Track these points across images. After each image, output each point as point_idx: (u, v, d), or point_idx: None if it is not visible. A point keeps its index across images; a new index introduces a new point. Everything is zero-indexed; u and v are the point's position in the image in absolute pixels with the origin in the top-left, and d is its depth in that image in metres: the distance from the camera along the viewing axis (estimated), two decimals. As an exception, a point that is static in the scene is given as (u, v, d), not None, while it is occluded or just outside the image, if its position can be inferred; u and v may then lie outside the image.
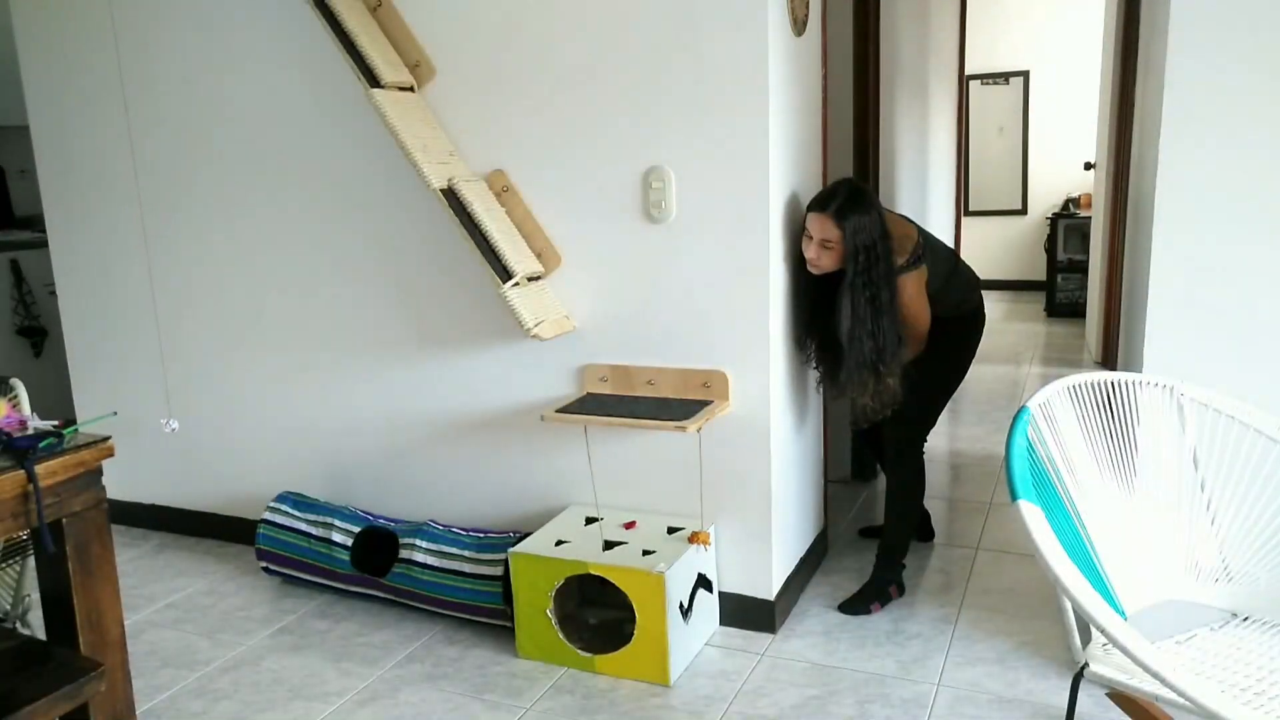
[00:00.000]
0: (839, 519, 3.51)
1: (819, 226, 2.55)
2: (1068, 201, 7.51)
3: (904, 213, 3.22)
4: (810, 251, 2.58)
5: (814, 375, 2.84)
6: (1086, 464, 1.96)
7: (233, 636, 2.83)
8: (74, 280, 3.61)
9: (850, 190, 2.58)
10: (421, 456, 3.10)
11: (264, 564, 3.10)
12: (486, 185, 2.73)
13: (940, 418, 4.63)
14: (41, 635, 1.83)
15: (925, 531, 3.30)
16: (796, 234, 2.73)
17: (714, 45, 2.45)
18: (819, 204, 2.57)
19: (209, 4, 3.09)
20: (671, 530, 2.67)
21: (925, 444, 2.99)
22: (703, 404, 2.57)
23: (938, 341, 2.77)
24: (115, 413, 3.59)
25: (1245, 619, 1.89)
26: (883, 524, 2.95)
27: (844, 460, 3.88)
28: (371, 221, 3.00)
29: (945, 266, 2.79)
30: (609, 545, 2.59)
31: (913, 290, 2.64)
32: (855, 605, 2.82)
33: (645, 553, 2.53)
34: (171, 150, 3.28)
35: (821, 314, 2.67)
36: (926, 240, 2.73)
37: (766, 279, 2.52)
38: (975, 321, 2.91)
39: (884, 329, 2.56)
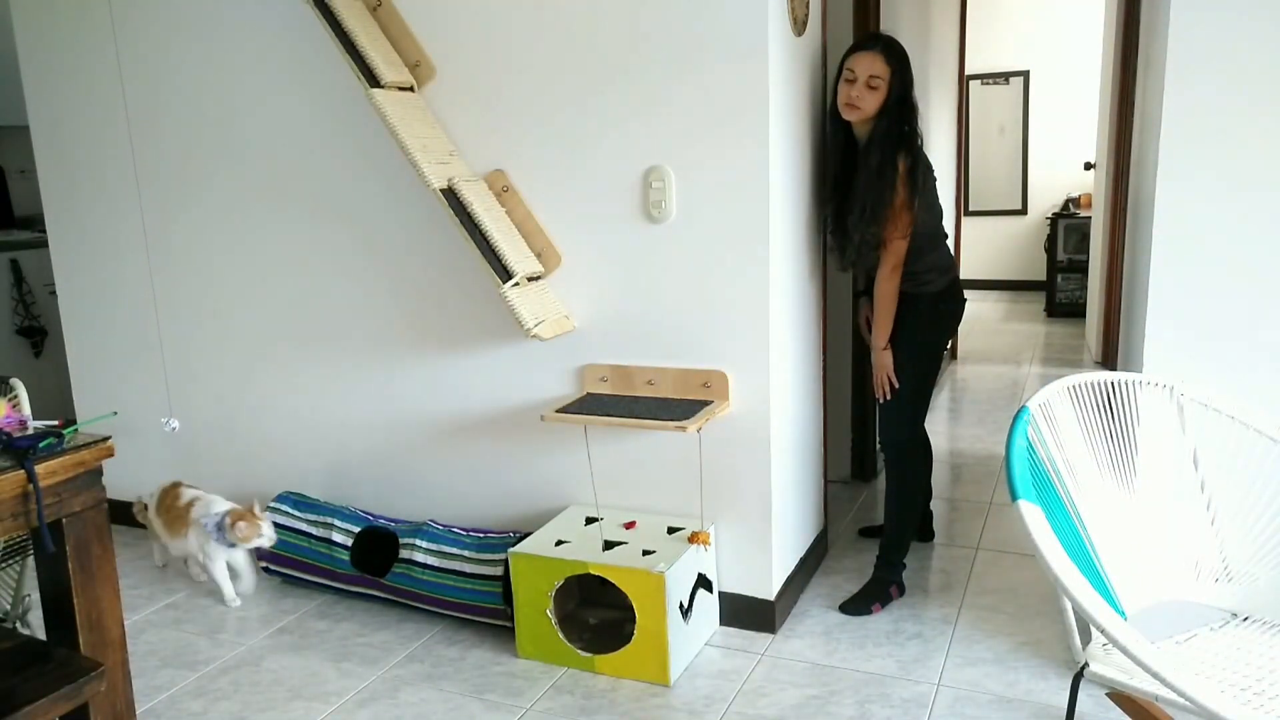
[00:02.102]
0: (839, 519, 3.51)
1: (867, 64, 2.62)
2: (1068, 201, 7.51)
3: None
4: (854, 92, 2.63)
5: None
6: (1086, 464, 1.96)
7: (233, 636, 2.83)
8: (74, 280, 3.61)
9: (891, 37, 2.71)
10: (421, 456, 3.10)
11: (264, 564, 3.10)
12: (486, 185, 2.73)
13: (940, 418, 4.66)
14: (41, 635, 1.83)
15: (926, 532, 3.29)
16: (797, 234, 2.73)
17: (714, 45, 2.45)
18: (865, 44, 2.68)
19: (209, 3, 3.09)
20: (671, 530, 2.67)
21: (924, 442, 2.99)
22: (703, 404, 2.57)
23: (907, 322, 2.77)
24: (115, 413, 3.59)
25: (1245, 619, 1.90)
26: (883, 524, 2.95)
27: (844, 460, 3.88)
28: (371, 221, 3.00)
29: (935, 223, 2.80)
30: (609, 545, 2.59)
31: (903, 170, 2.65)
32: (856, 606, 2.82)
33: (645, 553, 2.53)
34: (171, 150, 3.28)
35: (846, 176, 2.76)
36: (931, 175, 2.77)
37: (766, 279, 2.52)
38: (939, 305, 2.86)
39: (892, 166, 2.64)
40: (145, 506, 3.22)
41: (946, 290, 2.84)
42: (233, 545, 2.95)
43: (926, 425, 2.98)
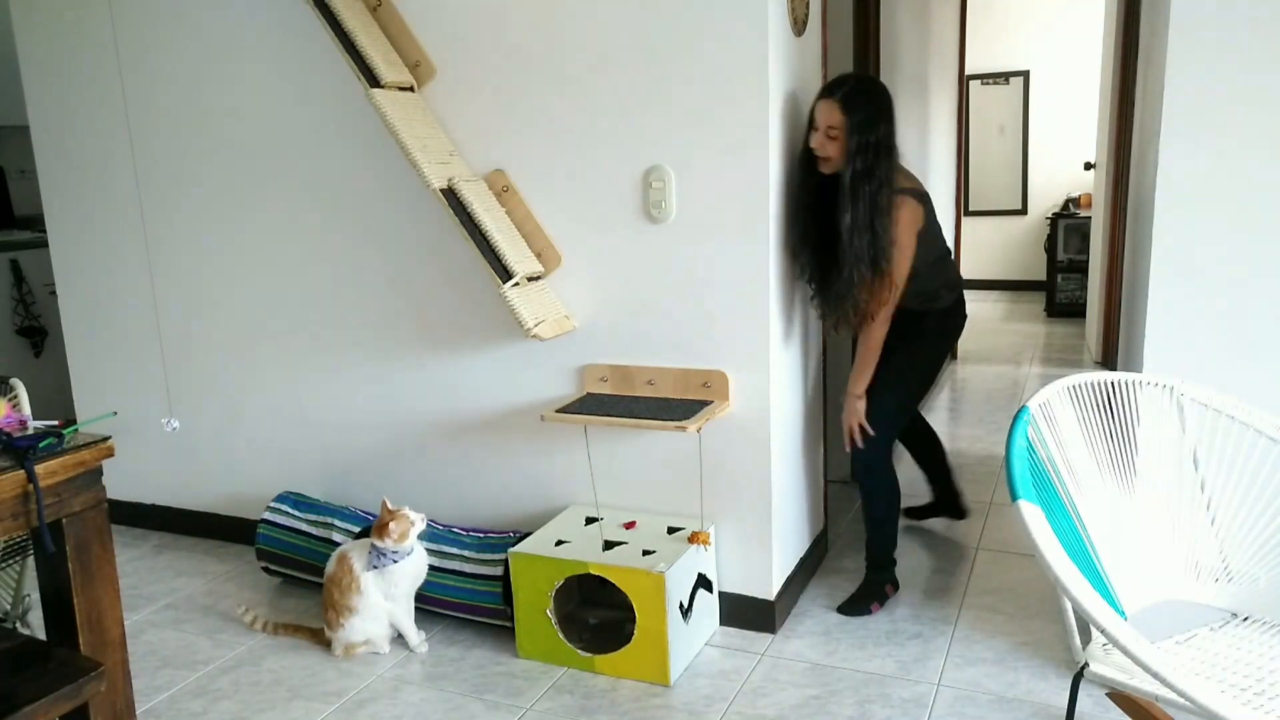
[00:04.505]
0: (839, 519, 3.51)
1: (825, 113, 2.52)
2: (1068, 201, 7.51)
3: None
4: (815, 141, 2.55)
5: (800, 319, 2.87)
6: (1086, 464, 1.96)
7: (232, 636, 2.83)
8: (74, 280, 3.61)
9: (860, 79, 2.58)
10: (421, 456, 3.10)
11: (264, 564, 3.10)
12: (486, 185, 2.73)
13: (941, 418, 4.66)
14: (41, 635, 1.83)
15: (959, 510, 3.34)
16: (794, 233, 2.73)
17: (714, 45, 2.45)
18: (826, 90, 2.56)
19: (209, 4, 3.09)
20: (671, 530, 2.67)
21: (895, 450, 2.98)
22: (703, 404, 2.57)
23: (908, 338, 2.76)
24: (115, 413, 3.59)
25: (1245, 619, 1.89)
26: (865, 532, 2.90)
27: (844, 460, 3.87)
28: (371, 221, 3.00)
29: (938, 248, 2.77)
30: (609, 545, 2.59)
31: (906, 219, 2.58)
32: (854, 607, 2.82)
33: (645, 553, 2.53)
34: (171, 150, 3.28)
35: (817, 225, 2.63)
36: (929, 207, 2.69)
37: (766, 279, 2.52)
38: (947, 320, 2.86)
39: (881, 229, 2.52)
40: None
41: (954, 306, 2.86)
42: (397, 558, 2.60)
43: (929, 412, 3.01)
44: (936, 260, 2.77)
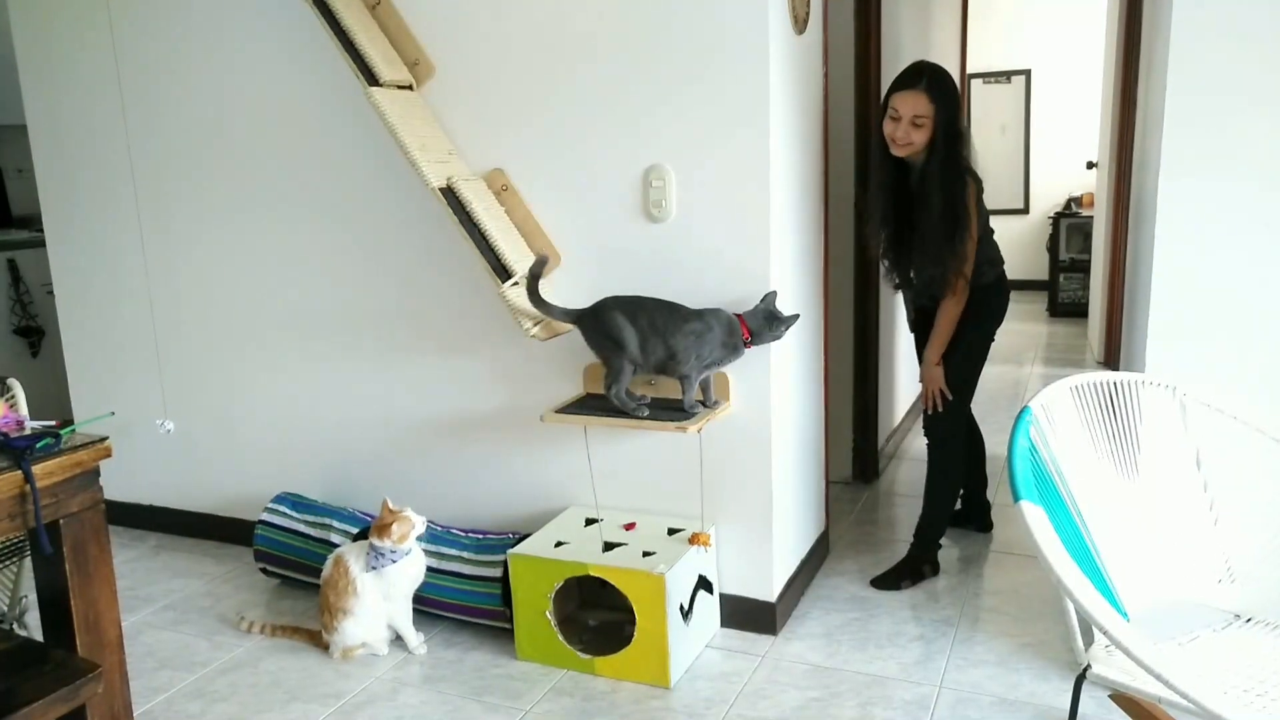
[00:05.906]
0: (840, 520, 3.50)
1: (910, 104, 2.63)
2: (1070, 201, 7.50)
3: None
4: (898, 132, 2.66)
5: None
6: (1089, 465, 1.95)
7: (231, 638, 2.82)
8: (71, 280, 3.60)
9: (934, 69, 2.70)
10: (421, 457, 3.09)
11: (262, 565, 3.10)
12: (486, 184, 2.72)
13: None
14: (38, 636, 1.83)
15: (984, 522, 3.36)
16: (797, 233, 2.72)
17: (715, 43, 2.44)
18: (908, 82, 2.66)
19: (207, 3, 3.08)
20: (672, 531, 2.66)
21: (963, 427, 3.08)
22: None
23: (962, 315, 2.84)
24: (113, 413, 3.58)
25: (1248, 620, 1.89)
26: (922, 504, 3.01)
27: (845, 461, 3.87)
28: (370, 221, 2.99)
29: (984, 220, 2.89)
30: (609, 546, 2.58)
31: (971, 196, 2.71)
32: (886, 581, 2.91)
33: (645, 554, 2.52)
34: (169, 150, 3.27)
35: (895, 205, 2.82)
36: (978, 182, 2.83)
37: (767, 279, 2.51)
38: (995, 296, 2.95)
39: (961, 211, 2.69)
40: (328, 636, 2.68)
41: (996, 283, 2.94)
42: (395, 558, 2.58)
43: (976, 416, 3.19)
44: (983, 235, 2.86)
